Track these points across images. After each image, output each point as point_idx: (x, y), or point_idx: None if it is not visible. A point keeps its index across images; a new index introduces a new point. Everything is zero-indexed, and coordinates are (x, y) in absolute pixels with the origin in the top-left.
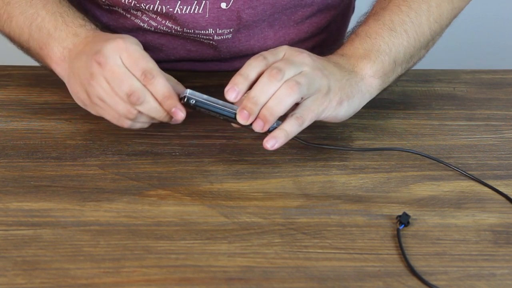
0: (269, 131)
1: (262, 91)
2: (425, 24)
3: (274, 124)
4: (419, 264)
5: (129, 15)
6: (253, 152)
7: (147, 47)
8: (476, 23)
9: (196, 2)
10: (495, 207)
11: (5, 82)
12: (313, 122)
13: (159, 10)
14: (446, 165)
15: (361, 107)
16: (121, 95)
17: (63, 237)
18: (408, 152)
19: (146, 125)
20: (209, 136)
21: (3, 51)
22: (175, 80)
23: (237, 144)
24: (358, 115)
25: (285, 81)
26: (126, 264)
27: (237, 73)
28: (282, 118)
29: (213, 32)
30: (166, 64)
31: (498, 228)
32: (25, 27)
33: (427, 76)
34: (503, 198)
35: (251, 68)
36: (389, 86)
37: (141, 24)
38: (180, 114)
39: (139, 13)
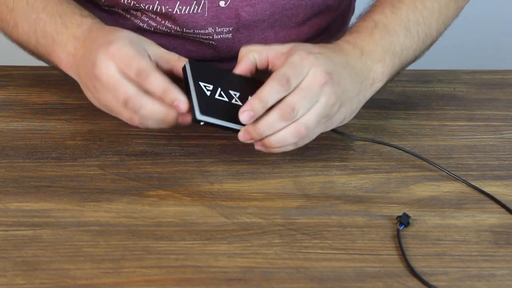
0: None
1: (269, 127)
2: (434, 25)
3: None
4: (419, 265)
5: (128, 16)
6: (253, 153)
7: None
8: (476, 23)
9: (195, 2)
10: (495, 208)
11: (5, 82)
12: None
13: (158, 10)
14: (434, 165)
15: None
16: (121, 103)
17: (63, 237)
18: (391, 146)
19: (162, 126)
20: (209, 136)
21: (3, 51)
22: (165, 51)
23: (237, 145)
24: (358, 115)
25: (294, 122)
26: (126, 264)
27: (257, 96)
28: None
29: (213, 31)
30: None
31: (498, 229)
32: (31, 33)
33: (427, 77)
34: (503, 199)
35: (272, 94)
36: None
37: (141, 24)
38: (183, 106)
39: (138, 13)
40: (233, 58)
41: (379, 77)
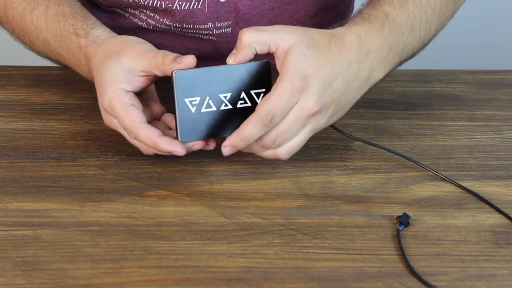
0: None
1: (250, 150)
2: (434, 24)
3: None
4: (419, 265)
5: (127, 15)
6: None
7: None
8: (476, 23)
9: None
10: (499, 208)
11: (5, 82)
12: None
13: (158, 6)
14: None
15: None
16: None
17: (63, 237)
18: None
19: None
20: None
21: (3, 51)
22: (149, 61)
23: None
24: (358, 115)
25: (276, 149)
26: (126, 264)
27: (239, 133)
28: None
29: (212, 26)
30: None
31: (498, 229)
32: (47, 51)
33: (427, 77)
34: (503, 199)
35: (254, 133)
36: None
37: (140, 23)
38: (177, 152)
39: (137, 12)
40: None
41: (378, 74)
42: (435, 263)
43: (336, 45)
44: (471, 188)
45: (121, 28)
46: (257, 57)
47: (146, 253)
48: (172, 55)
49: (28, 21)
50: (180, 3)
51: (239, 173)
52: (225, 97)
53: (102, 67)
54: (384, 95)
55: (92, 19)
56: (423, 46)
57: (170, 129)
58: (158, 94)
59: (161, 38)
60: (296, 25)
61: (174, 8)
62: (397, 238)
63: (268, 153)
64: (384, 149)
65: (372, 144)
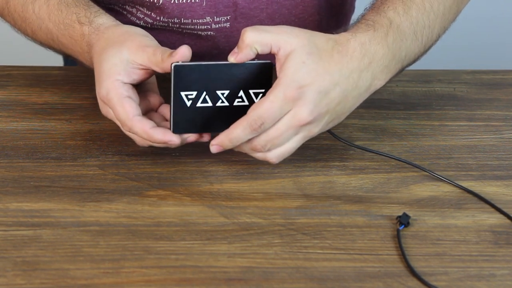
0: None
1: (240, 149)
2: (437, 30)
3: None
4: (419, 265)
5: (125, 12)
6: None
7: None
8: (476, 23)
9: None
10: (500, 207)
11: (5, 82)
12: None
13: (155, 1)
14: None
15: None
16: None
17: (63, 237)
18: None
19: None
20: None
21: (3, 51)
22: (149, 57)
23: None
24: (358, 115)
25: (266, 153)
26: (126, 264)
27: (228, 134)
28: None
29: (211, 20)
30: None
31: (498, 229)
32: (50, 40)
33: (427, 77)
34: (503, 199)
35: (242, 136)
36: None
37: (137, 21)
38: (171, 142)
39: (134, 10)
40: (232, 49)
41: (379, 82)
42: (435, 263)
43: (338, 53)
44: (471, 188)
45: None
46: (260, 57)
47: (146, 253)
48: (170, 51)
49: (30, 11)
50: None
51: (239, 173)
52: (223, 94)
53: (101, 56)
54: (384, 95)
55: (95, 7)
56: (425, 52)
57: (167, 120)
58: (159, 84)
59: (159, 36)
60: (294, 20)
61: (172, 2)
62: (397, 238)
63: (258, 155)
64: (378, 153)
65: (368, 150)
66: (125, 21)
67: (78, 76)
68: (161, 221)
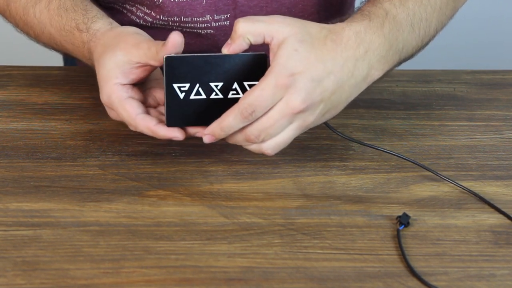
0: None
1: (235, 141)
2: (434, 24)
3: None
4: (419, 265)
5: (125, 11)
6: (253, 153)
7: None
8: (476, 23)
9: None
10: (499, 207)
11: (5, 82)
12: None
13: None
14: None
15: None
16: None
17: (63, 237)
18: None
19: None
20: None
21: (3, 51)
22: (145, 52)
23: (237, 145)
24: (358, 115)
25: (261, 144)
26: (126, 264)
27: (220, 123)
28: None
29: (210, 18)
30: None
31: (498, 229)
32: (53, 44)
33: (427, 77)
34: (503, 199)
35: (234, 124)
36: None
37: (137, 20)
38: (176, 137)
39: (134, 9)
40: None
41: (377, 72)
42: (435, 263)
43: (332, 41)
44: (471, 188)
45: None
46: (255, 48)
47: (146, 253)
48: (162, 42)
49: (31, 15)
50: None
51: (239, 173)
52: (216, 86)
53: (99, 62)
54: (384, 95)
55: (93, 11)
56: (422, 46)
57: None
58: None
59: (159, 35)
60: None
61: (172, 0)
62: (397, 238)
63: (253, 147)
64: (378, 149)
65: (367, 145)
66: (125, 19)
67: (78, 76)
68: (161, 221)
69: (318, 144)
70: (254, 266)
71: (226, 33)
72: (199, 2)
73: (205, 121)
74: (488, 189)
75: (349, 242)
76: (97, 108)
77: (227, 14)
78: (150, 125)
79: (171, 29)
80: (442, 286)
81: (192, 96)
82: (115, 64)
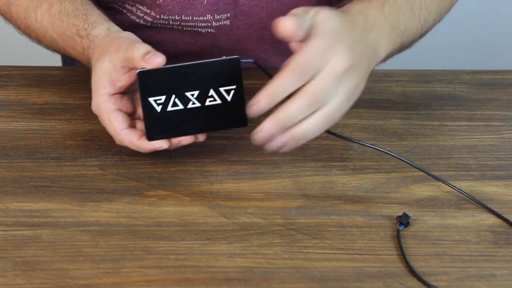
0: None
1: (292, 119)
2: (433, 13)
3: None
4: (419, 265)
5: (125, 11)
6: (253, 153)
7: None
8: (476, 23)
9: None
10: (495, 208)
11: (5, 82)
12: None
13: None
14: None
15: None
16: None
17: (63, 237)
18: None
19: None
20: (209, 136)
21: (3, 51)
22: (124, 55)
23: (237, 145)
24: (358, 115)
25: (321, 110)
26: (126, 264)
27: (269, 89)
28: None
29: (211, 18)
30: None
31: (498, 229)
32: (55, 48)
33: (427, 76)
34: (503, 199)
35: (287, 86)
36: None
37: (137, 20)
38: (160, 147)
39: (133, 9)
40: (232, 47)
41: (382, 50)
42: (435, 263)
43: (347, 22)
44: (471, 188)
45: (120, 26)
46: (225, 54)
47: (146, 253)
48: (142, 49)
49: (32, 19)
50: None
51: (239, 173)
52: (193, 95)
53: (93, 71)
54: (384, 95)
55: (93, 16)
56: (422, 34)
57: None
58: None
59: (159, 35)
60: None
61: None
62: (397, 238)
63: (317, 120)
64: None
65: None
66: (125, 19)
67: (78, 76)
68: (161, 221)
69: (318, 144)
70: (254, 266)
71: (226, 32)
72: (199, 2)
73: (186, 131)
74: (488, 189)
75: (349, 242)
76: None
77: (227, 13)
78: (133, 140)
79: (171, 29)
80: (442, 286)
81: (169, 108)
82: (103, 72)
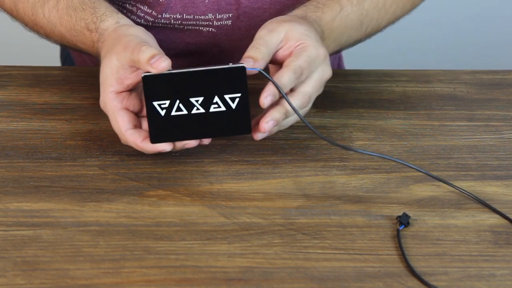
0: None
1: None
2: (384, 24)
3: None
4: (419, 265)
5: (125, 11)
6: (253, 153)
7: None
8: (476, 23)
9: None
10: (495, 208)
11: (5, 82)
12: (312, 124)
13: None
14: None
15: None
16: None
17: (63, 237)
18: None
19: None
20: None
21: (3, 51)
22: (130, 56)
23: (237, 145)
24: (358, 115)
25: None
26: (126, 264)
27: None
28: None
29: (213, 17)
30: None
31: (498, 229)
32: (65, 43)
33: (427, 77)
34: (503, 199)
35: (288, 83)
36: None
37: (138, 20)
38: (164, 150)
39: (134, 9)
40: (233, 48)
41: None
42: (435, 263)
43: (310, 28)
44: (471, 188)
45: None
46: (225, 54)
47: (146, 253)
48: (148, 53)
49: (40, 15)
50: None
51: (239, 173)
52: (197, 101)
53: (101, 65)
54: (384, 95)
55: (101, 9)
56: (366, 38)
57: None
58: None
59: (160, 35)
60: None
61: None
62: (397, 238)
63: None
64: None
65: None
66: None
67: (78, 76)
68: (161, 221)
69: (318, 144)
70: (254, 266)
71: (227, 32)
72: (201, 1)
73: (189, 136)
74: (488, 189)
75: (349, 242)
76: (97, 108)
77: (229, 13)
78: (137, 141)
79: (172, 28)
80: (442, 286)
81: (173, 113)
82: (111, 70)
